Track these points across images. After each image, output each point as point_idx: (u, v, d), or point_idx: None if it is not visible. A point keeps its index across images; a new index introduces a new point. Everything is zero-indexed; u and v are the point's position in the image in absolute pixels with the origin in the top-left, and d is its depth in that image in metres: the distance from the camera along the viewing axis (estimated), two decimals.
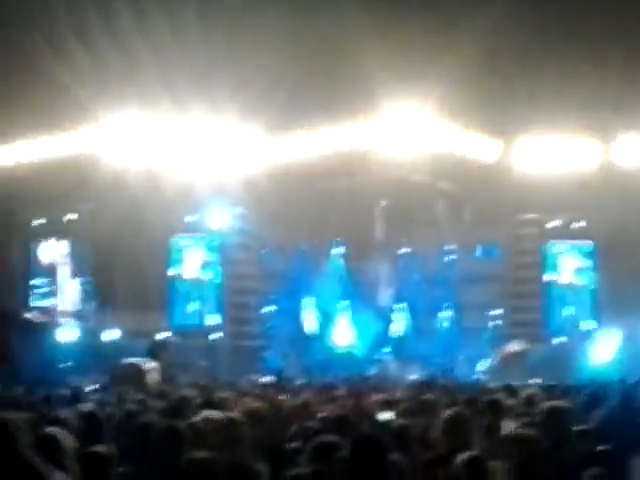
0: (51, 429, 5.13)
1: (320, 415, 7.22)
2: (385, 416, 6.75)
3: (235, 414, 6.69)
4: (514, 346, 26.18)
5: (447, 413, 5.45)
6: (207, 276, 27.94)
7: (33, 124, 25.53)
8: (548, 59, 23.33)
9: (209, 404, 7.78)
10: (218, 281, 27.81)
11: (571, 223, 27.66)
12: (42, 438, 4.83)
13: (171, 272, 27.40)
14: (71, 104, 23.68)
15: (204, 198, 26.19)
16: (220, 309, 27.66)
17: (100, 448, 5.25)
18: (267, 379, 12.24)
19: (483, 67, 22.81)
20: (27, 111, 24.14)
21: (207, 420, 6.11)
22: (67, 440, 4.93)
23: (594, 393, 9.65)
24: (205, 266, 27.90)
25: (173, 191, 24.87)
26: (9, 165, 26.61)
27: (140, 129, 25.64)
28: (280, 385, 14.93)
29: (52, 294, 27.84)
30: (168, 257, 27.54)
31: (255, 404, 7.71)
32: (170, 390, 11.37)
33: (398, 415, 6.95)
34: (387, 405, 7.67)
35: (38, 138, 26.42)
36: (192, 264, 27.90)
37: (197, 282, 27.90)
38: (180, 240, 27.70)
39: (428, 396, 8.35)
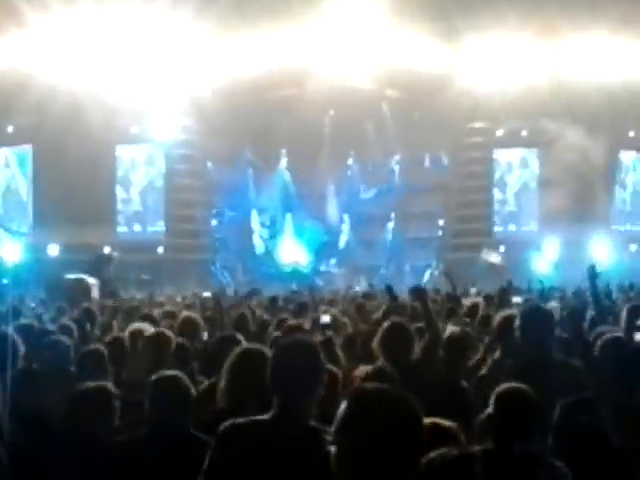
0: None
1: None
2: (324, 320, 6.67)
3: (165, 327, 6.54)
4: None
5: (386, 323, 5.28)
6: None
7: None
8: None
9: (144, 318, 7.62)
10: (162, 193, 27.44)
11: (520, 131, 27.55)
12: None
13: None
14: (7, 9, 22.67)
15: (148, 109, 25.54)
16: (164, 221, 27.31)
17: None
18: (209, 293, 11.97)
19: None
20: None
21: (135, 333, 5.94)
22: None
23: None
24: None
25: (117, 101, 24.19)
26: None
27: (82, 35, 24.69)
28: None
29: None
30: (113, 168, 27.01)
31: (189, 316, 7.55)
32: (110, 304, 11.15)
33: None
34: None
35: None
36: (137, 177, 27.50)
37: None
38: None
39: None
